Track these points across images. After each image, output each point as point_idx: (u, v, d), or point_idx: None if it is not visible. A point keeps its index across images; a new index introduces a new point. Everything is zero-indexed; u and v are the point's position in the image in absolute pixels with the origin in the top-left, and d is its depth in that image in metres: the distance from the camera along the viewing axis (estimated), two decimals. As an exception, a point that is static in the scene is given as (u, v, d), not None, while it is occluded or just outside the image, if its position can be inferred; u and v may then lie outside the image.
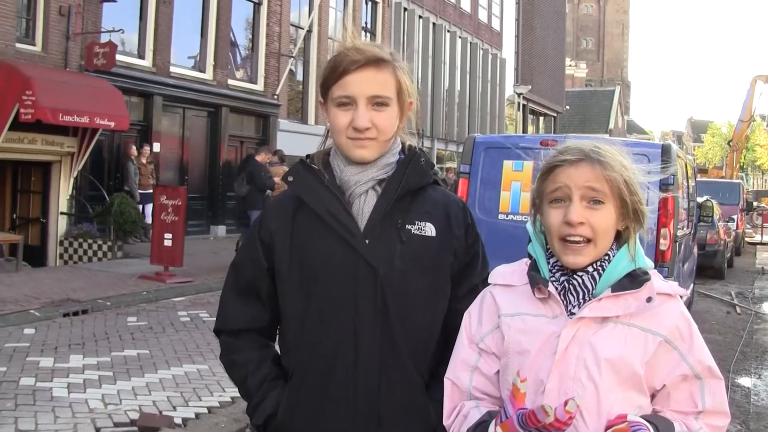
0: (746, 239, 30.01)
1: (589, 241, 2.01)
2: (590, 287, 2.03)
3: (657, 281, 2.04)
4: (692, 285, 12.09)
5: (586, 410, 1.94)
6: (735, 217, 24.79)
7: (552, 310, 2.05)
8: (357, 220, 2.25)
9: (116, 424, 6.50)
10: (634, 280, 2.01)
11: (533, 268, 2.12)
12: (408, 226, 2.27)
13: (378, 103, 2.23)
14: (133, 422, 6.55)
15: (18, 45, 16.21)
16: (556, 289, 2.05)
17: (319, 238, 2.26)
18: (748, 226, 32.84)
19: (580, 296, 2.04)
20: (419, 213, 2.30)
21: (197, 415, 6.91)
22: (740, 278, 19.49)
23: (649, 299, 1.99)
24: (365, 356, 2.22)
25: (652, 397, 2.04)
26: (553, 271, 2.09)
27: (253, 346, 2.40)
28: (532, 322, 2.05)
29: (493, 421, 1.97)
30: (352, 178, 2.29)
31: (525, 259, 2.20)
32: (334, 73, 2.24)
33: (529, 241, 2.18)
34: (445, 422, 2.15)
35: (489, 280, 2.22)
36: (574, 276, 2.05)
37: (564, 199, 2.03)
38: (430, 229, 2.29)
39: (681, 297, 2.09)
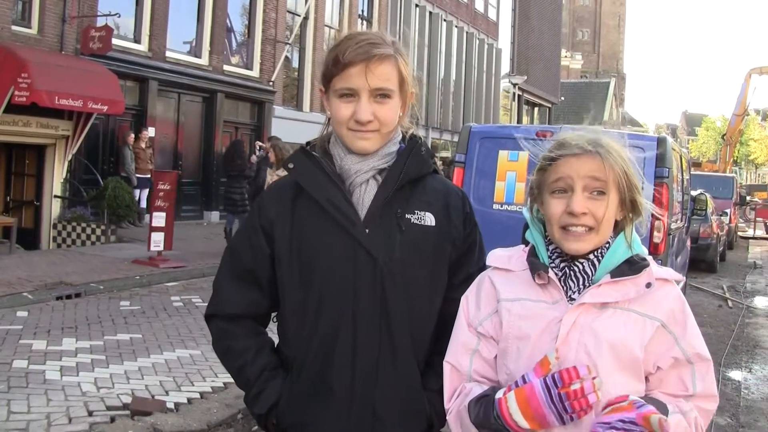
0: (739, 233, 30.06)
1: (591, 229, 2.05)
2: (590, 273, 2.07)
3: (654, 267, 2.09)
4: (684, 278, 12.11)
5: None
6: (728, 211, 24.82)
7: (552, 296, 2.08)
8: (357, 209, 2.25)
9: (109, 408, 6.51)
10: (632, 266, 2.06)
11: (532, 254, 2.14)
12: (408, 216, 2.28)
13: (381, 95, 2.22)
14: (125, 406, 6.55)
15: (14, 27, 16.15)
16: (556, 275, 2.08)
17: (320, 227, 2.25)
18: (741, 220, 32.92)
19: (580, 282, 2.07)
20: (419, 202, 2.31)
21: (189, 400, 6.91)
22: (732, 272, 19.54)
23: (648, 285, 2.03)
24: (364, 345, 2.23)
25: (646, 379, 2.07)
26: (553, 257, 2.12)
27: (249, 333, 2.38)
28: (533, 307, 2.08)
29: (502, 390, 2.00)
30: (353, 166, 2.28)
31: (521, 246, 2.23)
32: (337, 63, 2.22)
33: (526, 228, 2.20)
34: (446, 405, 2.17)
35: (487, 262, 2.23)
36: (574, 263, 2.09)
37: (566, 189, 2.06)
38: (429, 219, 2.30)
39: (677, 282, 2.12)
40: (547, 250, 2.13)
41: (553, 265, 2.11)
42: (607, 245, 2.09)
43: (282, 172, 10.27)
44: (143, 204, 19.08)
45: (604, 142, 2.07)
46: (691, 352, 2.05)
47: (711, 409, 2.08)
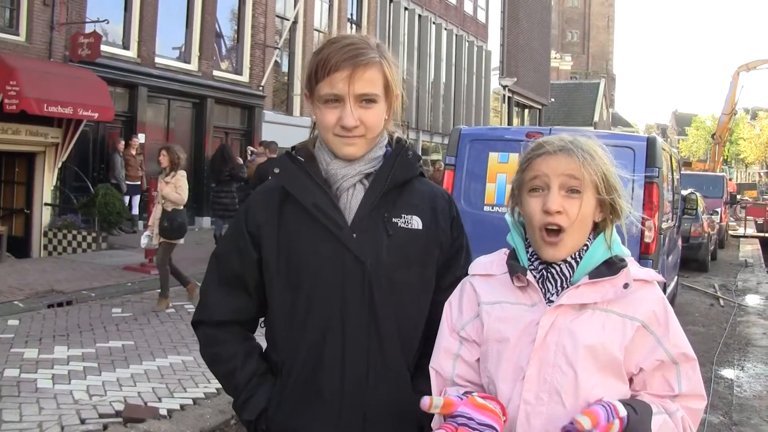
0: (730, 232, 30.13)
1: (564, 230, 2.04)
2: (568, 275, 2.07)
3: (633, 268, 2.08)
4: (676, 277, 12.15)
5: (565, 395, 1.98)
6: (719, 209, 24.90)
7: (531, 298, 2.08)
8: (344, 213, 2.25)
9: (101, 416, 6.49)
10: (611, 267, 2.05)
11: (512, 257, 2.15)
12: (395, 220, 2.27)
13: (366, 100, 2.21)
14: (118, 413, 6.54)
15: (2, 35, 16.09)
16: (535, 277, 2.08)
17: (307, 232, 2.25)
18: (731, 218, 33.01)
19: (558, 284, 2.07)
20: (406, 206, 2.30)
21: (182, 407, 6.91)
22: (724, 271, 19.61)
23: (626, 285, 2.02)
24: (352, 348, 2.23)
25: (630, 381, 2.06)
26: (532, 260, 2.12)
27: (237, 339, 2.38)
28: (512, 310, 2.08)
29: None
30: (339, 171, 2.28)
31: (504, 249, 2.23)
32: (321, 69, 2.20)
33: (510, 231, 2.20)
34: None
35: (469, 271, 2.23)
36: (552, 265, 2.09)
37: (543, 188, 2.06)
38: (416, 223, 2.30)
39: (658, 283, 2.12)
40: (527, 252, 2.13)
41: (531, 267, 2.11)
42: (585, 247, 2.09)
43: (170, 178, 9.82)
44: (135, 211, 19.03)
45: (582, 143, 2.08)
46: (676, 353, 2.04)
47: (699, 408, 2.07)
